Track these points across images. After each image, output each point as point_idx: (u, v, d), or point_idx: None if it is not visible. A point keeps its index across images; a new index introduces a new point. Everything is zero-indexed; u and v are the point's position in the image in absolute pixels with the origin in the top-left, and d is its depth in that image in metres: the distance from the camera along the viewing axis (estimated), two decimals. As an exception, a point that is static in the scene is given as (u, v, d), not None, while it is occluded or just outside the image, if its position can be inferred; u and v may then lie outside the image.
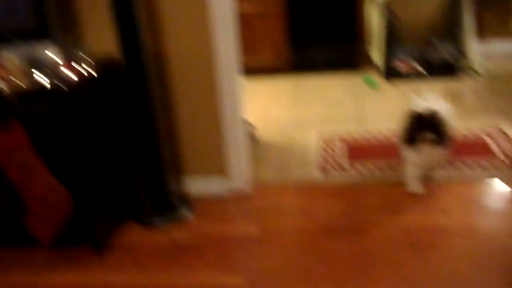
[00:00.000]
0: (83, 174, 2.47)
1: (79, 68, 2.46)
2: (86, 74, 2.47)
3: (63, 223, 2.50)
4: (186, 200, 2.99)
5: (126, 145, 2.88)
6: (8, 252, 2.67)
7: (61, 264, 2.56)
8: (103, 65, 2.62)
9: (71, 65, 2.44)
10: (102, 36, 2.76)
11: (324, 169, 3.26)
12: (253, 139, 3.73)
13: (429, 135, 2.67)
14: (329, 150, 3.53)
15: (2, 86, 2.34)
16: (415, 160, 2.81)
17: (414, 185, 2.89)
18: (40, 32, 2.47)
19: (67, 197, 2.46)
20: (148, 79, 2.63)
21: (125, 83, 2.65)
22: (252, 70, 5.13)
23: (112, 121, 2.74)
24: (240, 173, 3.06)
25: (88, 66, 2.51)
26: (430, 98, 2.94)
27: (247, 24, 4.95)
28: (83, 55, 2.55)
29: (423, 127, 2.69)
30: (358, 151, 3.49)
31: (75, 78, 2.40)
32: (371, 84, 4.86)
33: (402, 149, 2.89)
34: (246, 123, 3.32)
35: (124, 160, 2.88)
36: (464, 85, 4.72)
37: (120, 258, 2.56)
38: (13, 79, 2.36)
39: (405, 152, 2.85)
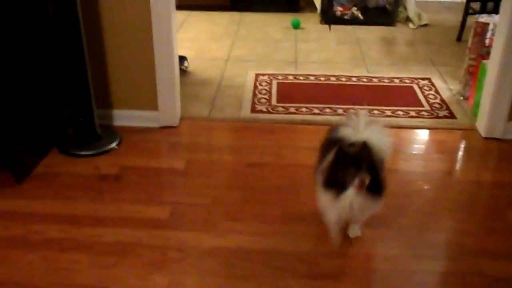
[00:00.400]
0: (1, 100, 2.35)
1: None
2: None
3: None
4: (113, 133, 2.94)
5: (53, 72, 2.76)
6: None
7: (-23, 189, 2.48)
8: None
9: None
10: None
11: (255, 109, 3.27)
12: (184, 72, 3.67)
13: (362, 178, 1.83)
14: (262, 90, 3.54)
15: None
16: (338, 210, 1.96)
17: (336, 239, 2.11)
18: None
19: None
20: (77, 11, 2.51)
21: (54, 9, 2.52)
22: (193, 6, 5.02)
23: (36, 42, 2.61)
24: (170, 107, 3.02)
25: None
26: (363, 121, 2.00)
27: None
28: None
29: (354, 166, 1.85)
30: (290, 93, 3.51)
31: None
32: (295, 26, 4.84)
33: (320, 192, 2.01)
34: (180, 57, 3.25)
35: (51, 88, 2.77)
36: (399, 33, 4.80)
37: (41, 187, 2.50)
38: None
39: (324, 197, 1.98)
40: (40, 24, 2.63)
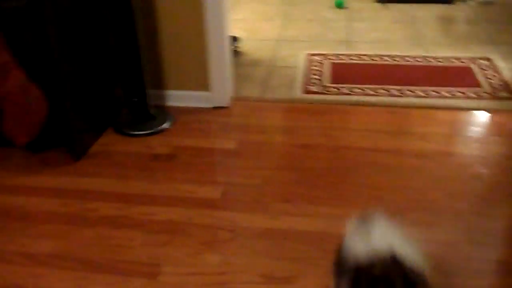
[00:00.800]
0: (59, 77, 2.41)
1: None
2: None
3: (39, 126, 2.47)
4: (166, 113, 2.97)
5: (107, 53, 2.81)
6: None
7: (36, 167, 2.56)
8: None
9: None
10: None
11: (307, 90, 3.23)
12: (237, 53, 3.66)
13: None
14: (315, 70, 3.48)
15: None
16: None
17: None
18: None
19: (42, 99, 2.42)
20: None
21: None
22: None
23: (93, 25, 2.65)
24: (222, 88, 3.02)
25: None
26: (380, 229, 1.44)
27: None
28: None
29: None
30: (343, 73, 3.45)
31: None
32: (339, 5, 4.71)
33: None
34: (232, 37, 3.24)
35: (106, 68, 2.82)
36: (457, 11, 4.61)
37: (96, 165, 2.56)
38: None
39: None
40: (95, 6, 2.66)
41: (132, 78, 2.78)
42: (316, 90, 3.21)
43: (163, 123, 2.87)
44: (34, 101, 2.40)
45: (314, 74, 3.42)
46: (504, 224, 2.16)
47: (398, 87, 3.20)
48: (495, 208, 2.22)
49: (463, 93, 3.14)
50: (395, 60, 3.60)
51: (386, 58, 3.64)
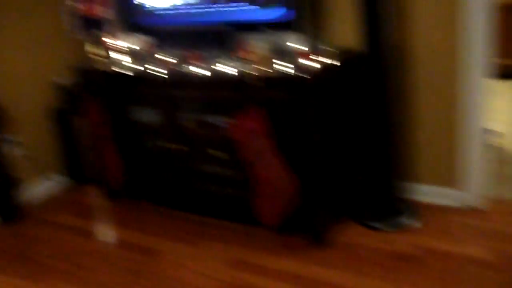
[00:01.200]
0: (313, 165, 2.45)
1: (321, 58, 2.43)
2: (328, 64, 2.43)
3: (288, 210, 2.52)
4: (412, 208, 2.78)
5: (356, 139, 2.78)
6: (232, 226, 2.82)
7: (277, 248, 2.59)
8: (345, 56, 2.55)
9: (314, 54, 2.42)
10: (343, 27, 2.70)
11: None
12: (494, 148, 3.31)
13: None
14: None
15: (250, 71, 2.42)
16: None
17: None
18: (288, 22, 2.51)
19: (295, 185, 2.47)
20: (388, 74, 2.49)
21: (364, 76, 2.55)
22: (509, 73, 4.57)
23: (348, 113, 2.66)
24: (475, 186, 2.73)
25: (330, 56, 2.46)
26: None
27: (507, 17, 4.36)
28: (325, 45, 2.52)
29: None
30: None
31: (317, 67, 2.38)
32: None
33: None
34: (490, 131, 2.94)
35: (352, 155, 2.79)
36: None
37: (335, 255, 2.49)
38: (259, 65, 2.43)
39: None
40: (351, 92, 2.68)
41: (378, 166, 2.68)
42: None
43: (408, 219, 2.68)
44: (287, 187, 2.46)
45: None
46: None
47: None
48: None
49: None
50: None
51: None
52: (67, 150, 3.57)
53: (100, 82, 3.03)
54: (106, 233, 2.99)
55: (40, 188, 3.51)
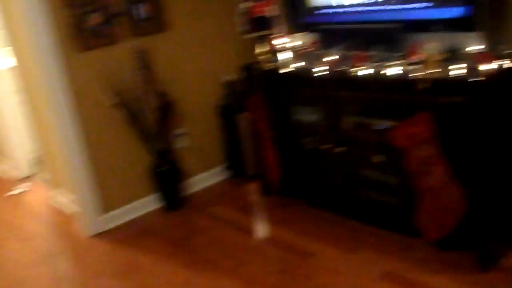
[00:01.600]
0: (485, 176, 2.25)
1: (499, 60, 2.20)
2: (505, 67, 2.21)
3: (452, 225, 2.33)
4: None
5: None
6: (389, 236, 2.69)
7: (435, 265, 2.43)
8: None
9: (491, 56, 2.20)
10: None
11: None
12: None
13: None
14: None
15: (418, 73, 2.28)
16: None
17: None
18: (465, 20, 2.32)
19: (461, 198, 2.27)
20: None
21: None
22: None
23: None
24: None
25: (508, 58, 2.23)
26: None
27: None
28: (504, 46, 2.28)
29: None
30: None
31: (493, 69, 2.17)
32: None
33: None
34: None
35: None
36: None
37: (500, 280, 2.25)
38: (429, 67, 2.28)
39: None
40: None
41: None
42: None
43: None
44: (453, 199, 2.28)
45: None
46: None
47: None
48: None
49: None
50: None
51: None
52: (230, 145, 3.72)
53: (265, 80, 3.10)
54: (262, 229, 3.05)
55: (203, 180, 3.71)
